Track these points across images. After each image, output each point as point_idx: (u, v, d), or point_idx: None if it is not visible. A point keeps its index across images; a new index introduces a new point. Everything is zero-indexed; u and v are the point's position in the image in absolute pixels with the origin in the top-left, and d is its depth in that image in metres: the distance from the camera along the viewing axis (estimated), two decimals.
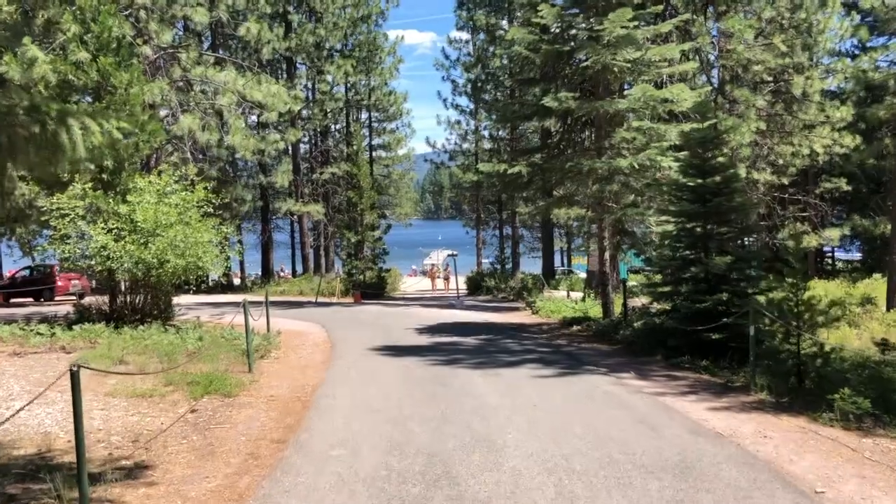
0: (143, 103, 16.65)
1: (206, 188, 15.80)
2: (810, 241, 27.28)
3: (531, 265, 44.83)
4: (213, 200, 16.43)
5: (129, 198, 14.26)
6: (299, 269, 41.17)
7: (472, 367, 10.69)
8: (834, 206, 30.90)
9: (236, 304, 15.91)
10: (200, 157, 31.49)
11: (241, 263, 47.97)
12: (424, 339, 14.18)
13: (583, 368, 10.61)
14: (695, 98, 13.50)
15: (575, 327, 15.66)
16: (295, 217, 38.47)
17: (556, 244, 42.46)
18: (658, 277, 12.71)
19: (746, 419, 7.36)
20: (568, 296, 22.38)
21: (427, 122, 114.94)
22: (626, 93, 13.96)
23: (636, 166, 13.17)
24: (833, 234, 26.33)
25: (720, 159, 11.52)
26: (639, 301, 15.44)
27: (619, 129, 13.88)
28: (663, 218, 13.62)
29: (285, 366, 11.37)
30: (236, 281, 39.86)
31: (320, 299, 27.49)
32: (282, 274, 47.29)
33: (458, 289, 31.99)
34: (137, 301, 15.58)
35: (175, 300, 23.59)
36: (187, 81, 19.07)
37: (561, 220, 38.62)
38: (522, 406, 7.96)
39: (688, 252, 11.87)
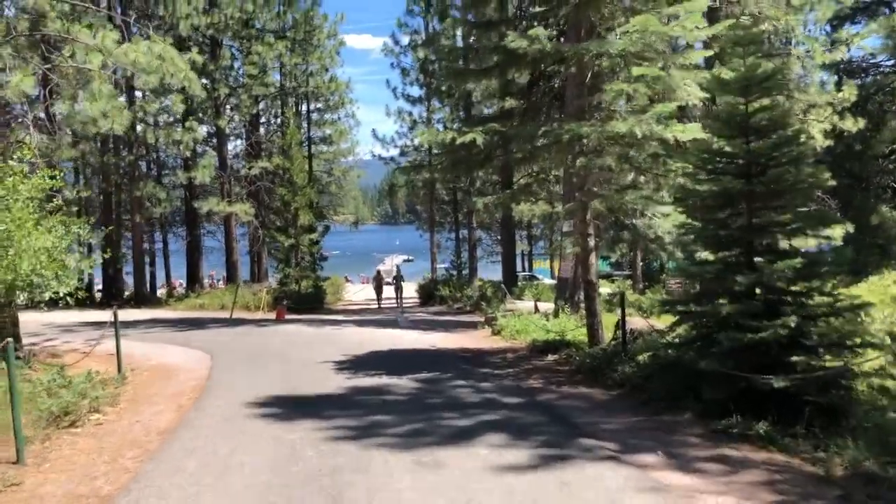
0: None
1: (52, 176, 11.55)
2: (806, 240, 23.80)
3: (490, 271, 41.08)
4: (67, 192, 12.38)
5: None
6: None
7: (399, 446, 6.53)
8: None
9: (132, 325, 11.52)
10: (98, 144, 26.77)
11: (168, 272, 43.14)
12: (339, 382, 9.93)
13: (576, 444, 6.54)
14: (719, 32, 9.66)
15: (550, 357, 11.62)
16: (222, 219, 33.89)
17: (516, 247, 38.49)
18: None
19: None
20: (536, 309, 18.33)
21: (382, 126, 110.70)
22: (619, 30, 10.00)
23: (639, 134, 9.20)
24: (836, 231, 22.72)
25: (774, 113, 7.60)
26: (638, 322, 11.46)
27: (612, 82, 9.89)
28: (666, 207, 9.75)
29: (99, 441, 7.06)
30: (161, 293, 35.33)
31: (239, 315, 22.99)
32: (218, 284, 42.65)
33: (400, 300, 27.96)
34: None
35: (49, 319, 19.19)
36: (42, 40, 14.63)
37: (524, 220, 34.89)
38: None
39: (726, 253, 7.98)
